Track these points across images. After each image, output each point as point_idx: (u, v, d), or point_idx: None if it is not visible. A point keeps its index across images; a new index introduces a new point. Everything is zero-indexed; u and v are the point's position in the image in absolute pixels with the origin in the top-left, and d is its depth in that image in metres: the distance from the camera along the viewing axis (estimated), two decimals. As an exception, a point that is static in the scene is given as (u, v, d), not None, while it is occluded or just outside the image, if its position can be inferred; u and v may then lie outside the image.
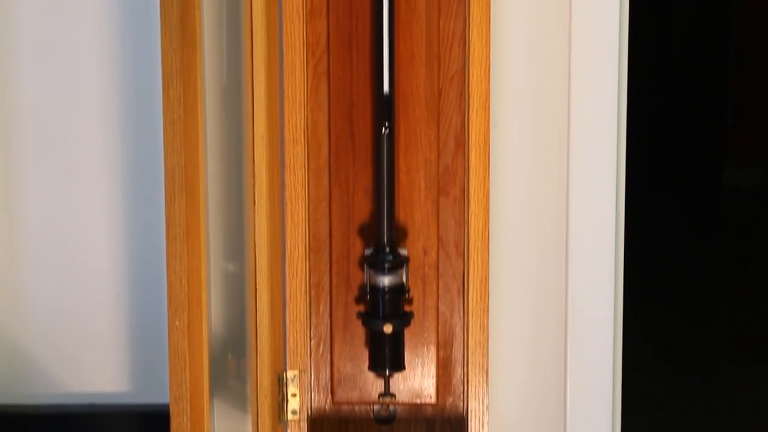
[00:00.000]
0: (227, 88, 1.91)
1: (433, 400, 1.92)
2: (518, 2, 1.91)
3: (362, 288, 1.89)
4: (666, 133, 5.71)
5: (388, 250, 1.84)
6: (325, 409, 1.92)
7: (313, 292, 1.90)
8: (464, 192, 1.86)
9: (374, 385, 1.92)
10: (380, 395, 1.90)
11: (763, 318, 4.07)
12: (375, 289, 1.84)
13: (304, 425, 1.87)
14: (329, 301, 1.91)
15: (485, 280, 1.83)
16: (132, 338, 2.00)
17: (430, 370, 1.92)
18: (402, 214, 1.89)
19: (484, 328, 1.83)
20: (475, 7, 1.77)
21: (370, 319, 1.86)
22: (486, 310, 1.84)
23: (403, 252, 1.87)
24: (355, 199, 1.89)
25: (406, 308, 1.88)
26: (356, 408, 1.92)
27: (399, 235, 1.88)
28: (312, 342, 1.90)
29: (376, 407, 1.92)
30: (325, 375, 1.92)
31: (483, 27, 1.78)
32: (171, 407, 1.66)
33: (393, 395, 1.89)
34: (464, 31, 1.83)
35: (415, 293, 1.90)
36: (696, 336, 3.89)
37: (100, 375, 2.01)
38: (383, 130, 1.82)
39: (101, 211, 1.98)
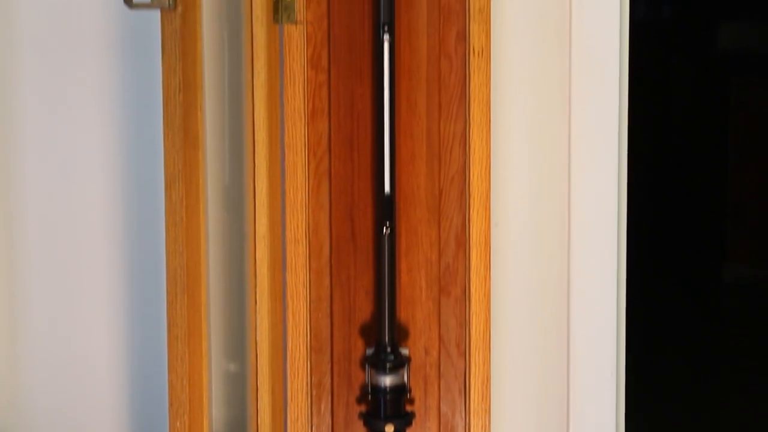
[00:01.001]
0: (229, 188, 1.93)
1: (435, 502, 1.91)
2: (518, 105, 1.92)
3: (363, 388, 1.89)
4: (666, 229, 5.72)
5: (389, 349, 1.84)
6: None
7: (314, 392, 1.89)
8: (465, 291, 1.86)
9: (376, 486, 1.90)
10: (382, 497, 1.88)
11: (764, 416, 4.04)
12: (376, 389, 1.84)
13: None
14: (330, 401, 1.90)
15: (487, 381, 1.82)
16: (132, 439, 1.99)
17: (432, 471, 1.91)
18: (403, 314, 1.89)
19: (486, 429, 1.82)
20: (476, 109, 1.79)
21: (371, 419, 1.85)
22: (488, 411, 1.83)
23: (405, 352, 1.87)
24: (356, 298, 1.90)
25: (408, 408, 1.87)
26: None
27: (400, 334, 1.88)
28: (313, 443, 1.89)
29: None
30: (326, 476, 1.90)
31: (483, 128, 1.79)
32: None
33: (395, 497, 1.88)
34: (465, 131, 1.85)
35: (416, 393, 1.90)
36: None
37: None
38: (384, 230, 1.83)
39: (103, 312, 1.98)
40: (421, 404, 1.90)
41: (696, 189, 5.54)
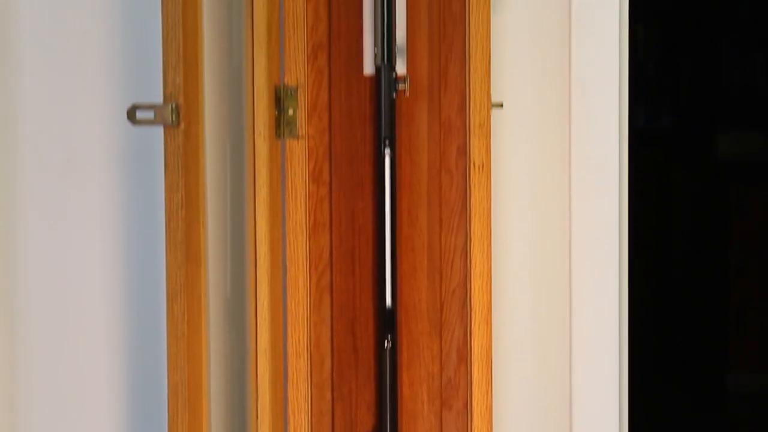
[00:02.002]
0: (230, 301, 1.93)
1: None
2: (518, 218, 1.94)
3: (365, 503, 1.87)
4: (668, 339, 5.70)
5: (391, 464, 1.83)
6: None
7: None
8: (467, 405, 1.85)
9: None
10: None
11: None
12: (379, 504, 1.82)
13: None
14: None
15: (490, 496, 1.81)
16: None
17: None
18: (405, 428, 1.88)
19: None
20: (476, 222, 1.80)
21: None
22: None
23: (407, 466, 1.86)
24: (358, 413, 1.89)
25: None
26: None
27: (402, 449, 1.87)
28: None
29: None
30: None
31: (484, 241, 1.80)
32: None
33: None
34: (465, 245, 1.86)
35: None
36: None
37: None
38: (386, 344, 1.83)
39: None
40: None
41: (698, 298, 5.53)
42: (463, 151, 1.86)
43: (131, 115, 1.62)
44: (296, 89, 1.83)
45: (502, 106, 1.87)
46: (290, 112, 1.83)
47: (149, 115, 1.62)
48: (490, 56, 1.78)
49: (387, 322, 1.83)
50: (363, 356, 1.88)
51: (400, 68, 1.86)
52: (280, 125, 1.83)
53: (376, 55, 1.85)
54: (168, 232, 1.63)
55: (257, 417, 1.77)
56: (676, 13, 5.51)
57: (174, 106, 1.61)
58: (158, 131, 1.64)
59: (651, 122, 5.55)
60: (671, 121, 5.60)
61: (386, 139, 1.84)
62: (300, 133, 1.84)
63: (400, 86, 1.85)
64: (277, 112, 1.83)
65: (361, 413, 1.88)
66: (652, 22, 5.43)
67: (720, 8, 5.45)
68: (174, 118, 1.61)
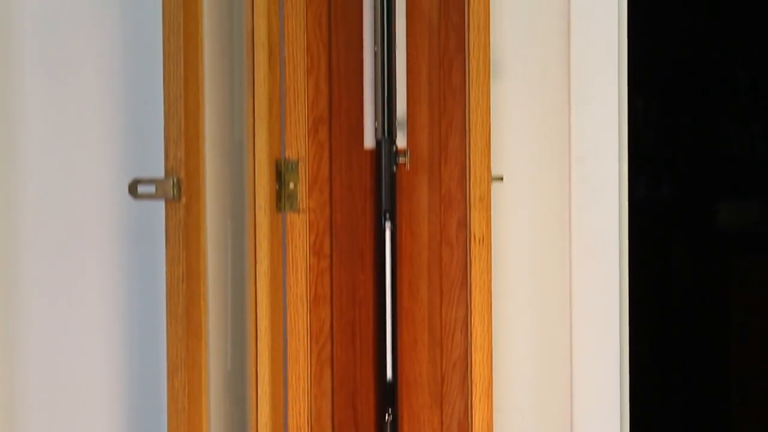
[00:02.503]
0: (231, 374, 1.92)
1: None
2: (519, 290, 1.94)
3: None
4: (669, 410, 5.67)
5: None
6: None
7: None
8: (469, 479, 1.84)
9: None
10: None
11: None
12: None
13: None
14: None
15: None
16: None
17: None
18: (406, 502, 1.87)
19: None
20: (477, 295, 1.80)
21: None
22: None
23: None
24: (358, 487, 1.88)
25: None
26: None
27: None
28: None
29: None
30: None
31: (485, 314, 1.80)
32: None
33: None
34: (466, 317, 1.86)
35: None
36: None
37: None
38: (386, 417, 1.82)
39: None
40: None
41: (699, 369, 5.51)
42: (464, 223, 1.86)
43: (133, 189, 1.63)
44: (297, 163, 1.84)
45: (502, 179, 1.88)
46: (291, 185, 1.84)
47: (151, 189, 1.63)
48: (490, 129, 1.79)
49: (388, 395, 1.83)
50: (364, 430, 1.88)
51: (401, 141, 1.87)
52: (281, 199, 1.84)
53: (376, 129, 1.86)
54: (169, 306, 1.63)
55: (257, 492, 1.76)
56: (676, 83, 5.55)
57: (175, 180, 1.61)
58: (159, 205, 1.64)
59: (651, 192, 5.56)
60: (671, 190, 5.61)
61: (386, 212, 1.84)
62: (301, 207, 1.84)
63: (401, 159, 1.86)
64: (278, 186, 1.84)
65: (362, 488, 1.87)
66: (651, 92, 5.47)
67: (719, 78, 5.48)
68: (175, 193, 1.62)
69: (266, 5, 1.76)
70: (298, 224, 1.84)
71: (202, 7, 1.70)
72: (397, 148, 1.86)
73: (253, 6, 1.77)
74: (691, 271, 5.45)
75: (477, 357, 1.81)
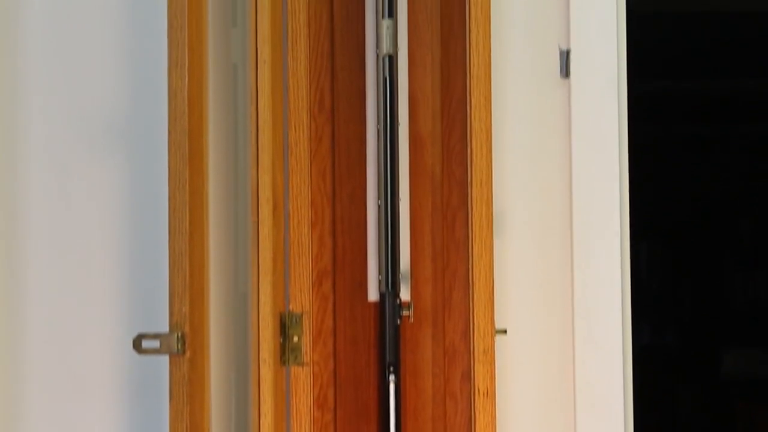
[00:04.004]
0: None
1: None
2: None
3: None
4: None
5: None
6: None
7: None
8: None
9: None
10: None
11: None
12: None
13: None
14: None
15: None
16: None
17: None
18: None
19: None
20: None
21: None
22: None
23: None
24: None
25: None
26: None
27: None
28: None
29: None
30: None
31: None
32: None
33: None
34: (471, 472, 1.84)
35: None
36: None
37: None
38: None
39: None
40: None
41: None
42: (468, 376, 1.86)
43: (137, 344, 1.63)
44: (301, 316, 1.85)
45: (505, 332, 1.88)
46: (295, 338, 1.84)
47: (155, 344, 1.63)
48: (493, 282, 1.80)
49: None
50: None
51: (404, 294, 1.88)
52: (285, 352, 1.84)
53: (380, 282, 1.87)
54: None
55: None
56: (679, 231, 5.58)
57: (180, 335, 1.62)
58: (163, 358, 1.64)
59: (655, 340, 5.55)
60: (675, 338, 5.60)
61: (390, 365, 1.84)
62: (305, 360, 1.84)
63: (405, 312, 1.87)
64: (282, 339, 1.84)
65: None
66: (654, 240, 5.50)
67: (721, 225, 5.52)
68: (180, 347, 1.62)
69: (271, 161, 1.79)
70: (302, 377, 1.84)
71: (208, 163, 1.72)
72: (400, 300, 1.87)
73: (258, 162, 1.79)
74: (696, 419, 5.41)
75: None
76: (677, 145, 5.66)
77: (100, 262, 1.97)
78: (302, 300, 1.85)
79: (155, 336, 1.63)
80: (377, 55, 1.88)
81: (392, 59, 1.88)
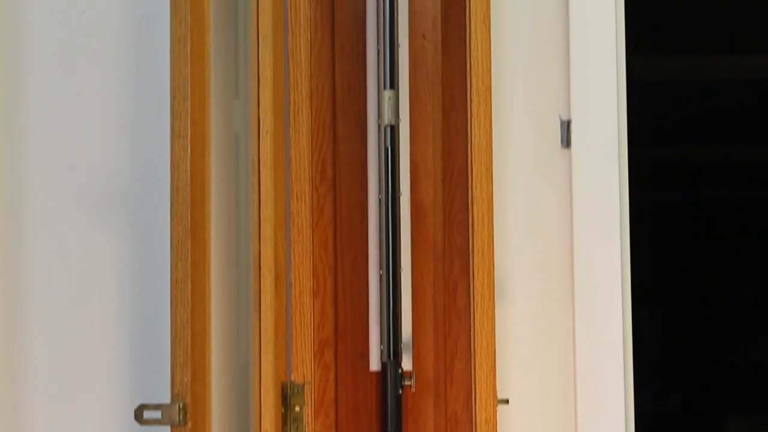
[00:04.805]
0: None
1: None
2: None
3: None
4: None
5: None
6: None
7: None
8: None
9: None
10: None
11: None
12: None
13: None
14: None
15: None
16: None
17: None
18: None
19: None
20: None
21: None
22: None
23: None
24: None
25: None
26: None
27: None
28: None
29: None
30: None
31: None
32: None
33: None
34: None
35: None
36: None
37: None
38: None
39: None
40: None
41: None
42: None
43: (138, 415, 1.63)
44: (303, 386, 1.84)
45: (508, 402, 1.87)
46: (297, 408, 1.84)
47: (157, 415, 1.62)
48: (495, 352, 1.80)
49: None
50: None
51: (406, 364, 1.88)
52: (287, 422, 1.83)
53: (382, 351, 1.87)
54: None
55: None
56: (680, 297, 5.57)
57: (181, 405, 1.61)
58: (165, 429, 1.63)
59: (657, 405, 5.52)
60: (678, 404, 5.58)
61: (393, 433, 1.84)
62: (307, 430, 1.83)
63: (406, 382, 1.86)
64: (283, 409, 1.83)
65: None
66: (655, 305, 5.49)
67: (724, 291, 5.51)
68: (181, 418, 1.61)
69: (273, 231, 1.79)
70: (304, 447, 1.83)
71: (210, 233, 1.73)
72: (402, 370, 1.87)
73: (260, 232, 1.80)
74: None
75: None
76: (678, 210, 5.67)
77: (101, 332, 1.97)
78: (304, 370, 1.84)
79: (157, 407, 1.62)
80: (379, 125, 1.90)
81: (394, 129, 1.89)
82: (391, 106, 1.89)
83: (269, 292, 1.79)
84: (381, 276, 1.88)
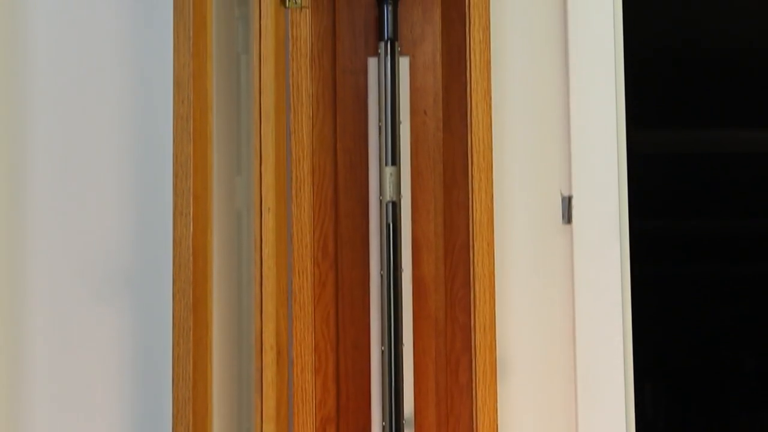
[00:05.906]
0: None
1: None
2: None
3: None
4: None
5: None
6: None
7: None
8: None
9: None
10: None
11: None
12: None
13: None
14: None
15: None
16: None
17: None
18: None
19: None
20: None
21: None
22: None
23: None
24: None
25: None
26: None
27: None
28: None
29: None
30: None
31: None
32: None
33: None
34: None
35: None
36: None
37: None
38: None
39: None
40: None
41: None
42: None
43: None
44: (305, 465, 1.84)
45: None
46: (298, 487, 1.83)
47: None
48: (497, 428, 1.79)
49: None
50: None
51: (408, 441, 1.87)
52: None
53: (384, 428, 1.86)
54: None
55: None
56: (684, 371, 5.55)
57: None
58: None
59: (663, 480, 5.47)
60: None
61: None
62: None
63: (409, 460, 1.85)
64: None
65: None
66: (659, 379, 5.47)
67: (727, 364, 5.48)
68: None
69: (275, 308, 1.79)
70: None
71: (212, 310, 1.73)
72: (405, 447, 1.86)
73: (261, 309, 1.80)
74: None
75: None
76: (680, 283, 5.67)
77: (101, 411, 1.96)
78: (306, 446, 1.84)
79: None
80: (380, 202, 1.90)
81: (395, 205, 1.90)
82: (393, 183, 1.89)
83: (271, 368, 1.79)
84: (383, 352, 1.88)
